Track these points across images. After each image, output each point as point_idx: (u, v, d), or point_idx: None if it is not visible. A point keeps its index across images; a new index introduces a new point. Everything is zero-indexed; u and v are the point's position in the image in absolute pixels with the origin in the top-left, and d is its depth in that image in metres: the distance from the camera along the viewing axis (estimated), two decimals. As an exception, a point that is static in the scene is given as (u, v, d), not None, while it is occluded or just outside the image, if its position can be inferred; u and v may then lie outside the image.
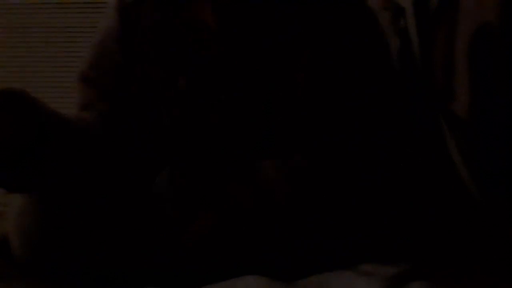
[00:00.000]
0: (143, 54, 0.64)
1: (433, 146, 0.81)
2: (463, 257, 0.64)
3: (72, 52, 1.99)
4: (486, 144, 0.95)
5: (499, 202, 0.87)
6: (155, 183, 0.69)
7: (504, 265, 0.59)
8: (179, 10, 0.61)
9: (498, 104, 0.91)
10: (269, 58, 0.63)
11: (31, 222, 0.58)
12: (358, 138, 0.65)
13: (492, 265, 0.60)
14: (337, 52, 0.66)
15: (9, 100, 0.48)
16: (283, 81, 0.63)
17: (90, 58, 0.68)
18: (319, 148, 0.64)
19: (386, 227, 0.63)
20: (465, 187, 1.01)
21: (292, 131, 0.65)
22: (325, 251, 0.60)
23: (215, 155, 0.66)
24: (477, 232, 0.76)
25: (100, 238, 0.61)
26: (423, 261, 0.55)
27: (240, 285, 0.50)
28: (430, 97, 1.17)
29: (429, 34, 1.16)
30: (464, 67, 1.04)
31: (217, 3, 0.61)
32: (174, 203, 0.68)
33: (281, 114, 0.63)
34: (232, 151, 0.65)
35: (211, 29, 0.60)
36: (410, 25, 1.31)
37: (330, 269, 0.55)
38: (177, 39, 0.61)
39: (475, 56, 1.01)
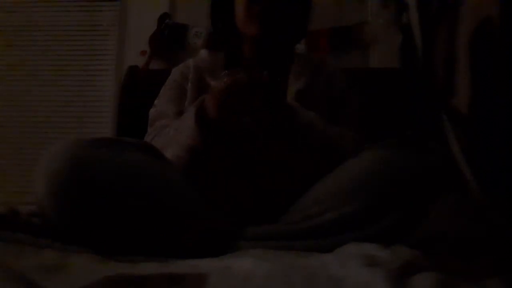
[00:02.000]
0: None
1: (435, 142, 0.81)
2: (466, 250, 0.64)
3: (72, 52, 1.99)
4: (487, 139, 0.95)
5: (500, 200, 0.87)
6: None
7: (505, 258, 0.59)
8: None
9: (499, 99, 0.91)
10: None
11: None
12: None
13: (494, 258, 0.60)
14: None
15: None
16: None
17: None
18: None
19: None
20: (467, 184, 1.01)
21: None
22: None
23: None
24: (480, 227, 0.76)
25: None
26: (426, 253, 0.55)
27: (240, 263, 0.50)
28: (432, 91, 1.17)
29: (431, 30, 1.16)
30: (465, 63, 1.04)
31: None
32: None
33: None
34: None
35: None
36: (413, 21, 1.31)
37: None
38: None
39: (476, 52, 1.01)
